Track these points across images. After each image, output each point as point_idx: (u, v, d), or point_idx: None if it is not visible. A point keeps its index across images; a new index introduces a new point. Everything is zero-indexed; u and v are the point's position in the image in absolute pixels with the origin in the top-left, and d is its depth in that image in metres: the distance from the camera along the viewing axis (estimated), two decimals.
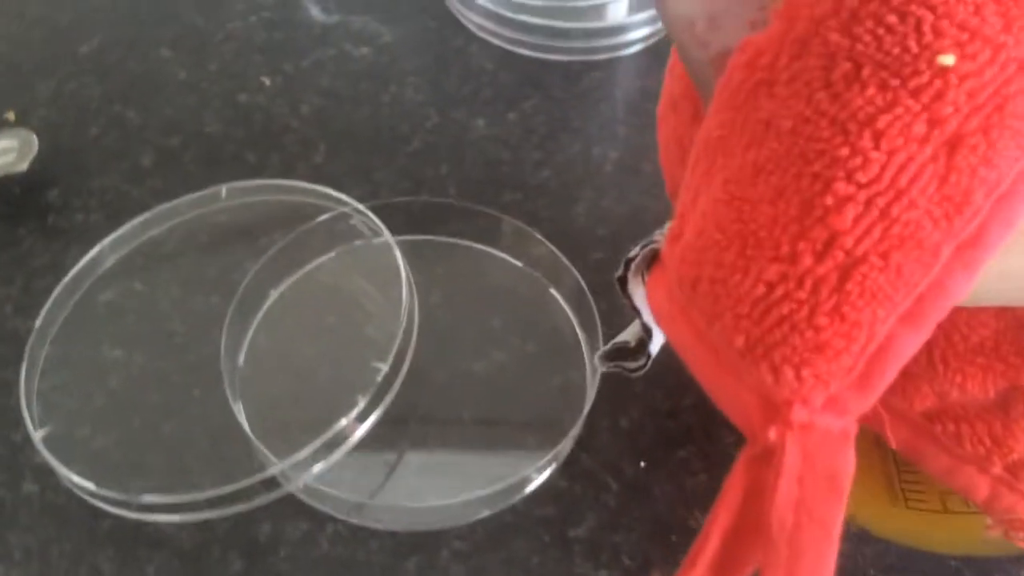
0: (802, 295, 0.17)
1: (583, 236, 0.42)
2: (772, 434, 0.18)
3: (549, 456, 0.34)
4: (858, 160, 0.17)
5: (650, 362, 0.30)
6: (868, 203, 0.17)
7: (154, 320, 0.38)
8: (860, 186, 0.17)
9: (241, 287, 0.37)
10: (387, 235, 0.37)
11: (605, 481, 0.35)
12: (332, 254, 0.41)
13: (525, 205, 0.43)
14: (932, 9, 0.16)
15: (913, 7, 0.16)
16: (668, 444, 0.36)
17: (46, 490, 0.34)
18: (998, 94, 0.16)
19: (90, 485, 0.32)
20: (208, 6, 0.52)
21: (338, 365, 0.37)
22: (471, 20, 0.51)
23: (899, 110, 0.16)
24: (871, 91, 0.16)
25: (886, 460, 0.26)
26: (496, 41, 0.51)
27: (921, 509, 0.26)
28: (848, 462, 0.18)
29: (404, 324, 0.34)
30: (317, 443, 0.32)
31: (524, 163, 0.45)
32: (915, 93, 0.16)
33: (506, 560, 0.33)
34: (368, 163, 0.45)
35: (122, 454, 0.34)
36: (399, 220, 0.40)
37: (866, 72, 0.17)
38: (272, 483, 0.32)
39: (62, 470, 0.32)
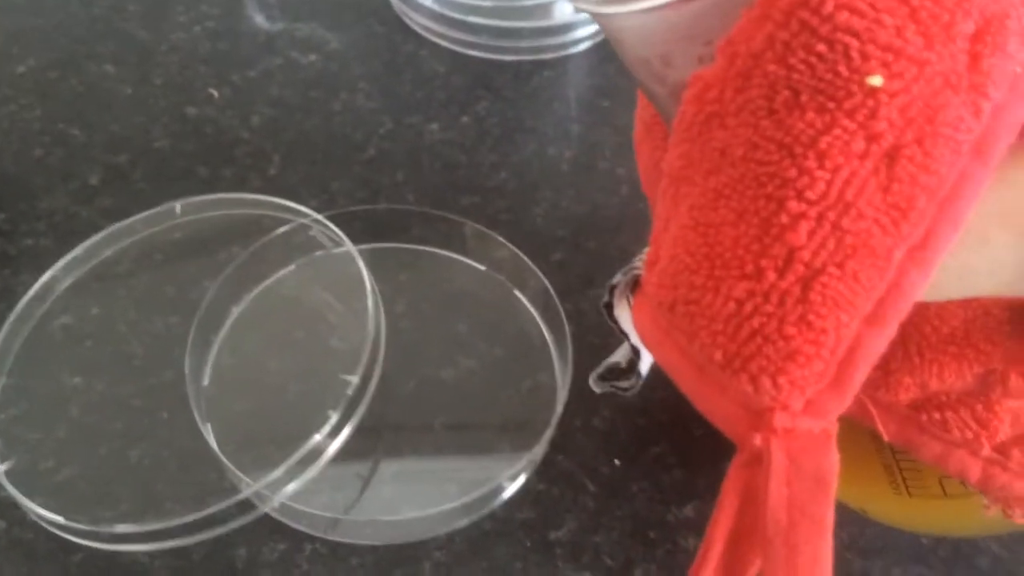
0: (770, 308, 0.18)
1: (544, 237, 0.42)
2: (758, 440, 0.19)
3: (524, 460, 0.34)
4: (805, 179, 0.18)
5: (640, 381, 0.31)
6: (820, 218, 0.18)
7: (113, 344, 0.38)
8: (810, 203, 0.18)
9: (202, 305, 0.37)
10: (348, 245, 0.37)
11: (582, 482, 0.35)
12: (292, 267, 0.40)
13: (484, 208, 0.43)
14: (857, 35, 0.17)
15: (839, 35, 0.17)
16: (642, 441, 0.36)
17: (13, 526, 0.33)
18: (928, 106, 0.17)
19: (58, 518, 0.31)
20: (150, 19, 0.51)
21: (306, 380, 0.37)
22: (419, 23, 0.51)
23: (837, 130, 0.17)
24: (810, 115, 0.18)
25: (883, 453, 0.27)
26: (445, 44, 0.50)
27: (923, 496, 0.27)
28: (832, 460, 0.19)
29: (372, 335, 0.34)
30: (291, 461, 0.31)
31: (481, 166, 0.45)
32: (850, 113, 0.17)
33: (489, 568, 0.33)
34: (323, 173, 0.44)
35: (89, 484, 0.34)
36: (358, 229, 0.40)
37: (804, 98, 0.18)
38: (246, 505, 0.32)
39: (28, 504, 0.31)
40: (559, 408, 0.35)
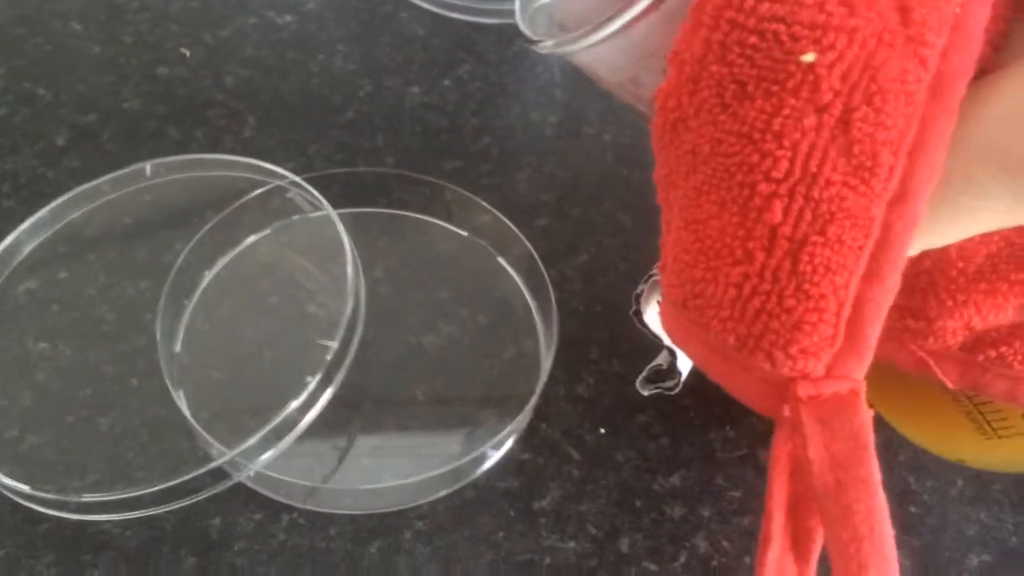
0: (766, 286, 0.19)
1: (528, 203, 0.41)
2: (787, 412, 0.20)
3: (508, 429, 0.33)
4: (769, 161, 0.19)
5: (682, 379, 0.33)
6: (791, 193, 0.19)
7: (81, 309, 0.36)
8: (778, 182, 0.19)
9: (173, 270, 0.35)
10: (327, 208, 0.35)
11: (566, 451, 0.34)
12: (268, 231, 0.39)
13: (467, 173, 0.42)
14: (782, 20, 0.18)
15: (766, 24, 0.18)
16: (627, 409, 0.35)
17: None
18: (868, 67, 0.18)
19: (24, 487, 0.29)
20: None
21: (282, 346, 0.36)
22: None
23: (787, 110, 0.18)
24: (759, 102, 0.19)
25: (961, 402, 0.27)
26: (426, 5, 0.49)
27: (1012, 434, 0.27)
28: (864, 417, 0.19)
29: (351, 300, 0.33)
30: (267, 428, 0.30)
31: (463, 130, 0.44)
32: (795, 92, 0.18)
33: (471, 537, 0.32)
34: (300, 136, 0.43)
35: (56, 453, 0.32)
36: (336, 192, 0.39)
37: (751, 88, 0.19)
38: (220, 473, 0.31)
39: None
40: (543, 376, 0.34)
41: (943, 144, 0.18)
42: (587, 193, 0.42)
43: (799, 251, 0.19)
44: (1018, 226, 0.20)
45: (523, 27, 0.25)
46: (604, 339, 0.37)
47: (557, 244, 0.40)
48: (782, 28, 0.18)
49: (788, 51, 0.18)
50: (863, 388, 0.20)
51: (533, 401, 0.34)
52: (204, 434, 0.31)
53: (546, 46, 0.23)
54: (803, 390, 0.19)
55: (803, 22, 0.18)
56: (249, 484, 0.32)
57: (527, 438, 0.34)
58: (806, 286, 0.19)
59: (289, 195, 0.37)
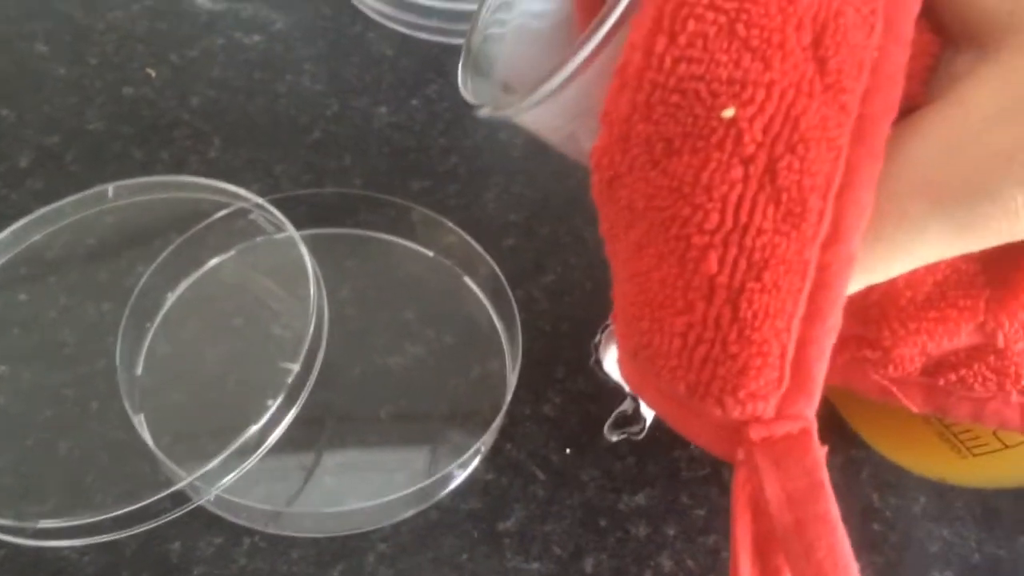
0: (709, 335, 0.20)
1: (495, 223, 0.41)
2: (741, 455, 0.20)
3: (473, 449, 0.33)
4: (700, 214, 0.19)
5: (647, 424, 0.33)
6: (724, 243, 0.19)
7: (42, 332, 0.36)
8: (711, 233, 0.19)
9: (135, 292, 0.35)
10: (290, 229, 0.35)
11: (532, 471, 0.34)
12: (232, 252, 0.39)
13: (434, 193, 0.42)
14: (700, 79, 0.19)
15: (685, 83, 0.19)
16: (593, 429, 0.35)
17: None
18: (788, 117, 0.18)
19: None
20: None
21: (245, 368, 0.35)
22: (368, 5, 0.49)
23: (713, 164, 0.19)
24: (687, 157, 0.19)
25: (932, 424, 0.28)
26: (394, 26, 0.49)
27: (986, 452, 0.28)
28: (817, 456, 0.20)
29: (314, 321, 0.33)
30: (227, 452, 0.30)
31: (431, 150, 0.44)
32: (719, 145, 0.19)
33: (435, 559, 0.32)
34: (267, 156, 0.43)
35: (13, 477, 0.32)
36: (303, 214, 0.38)
37: (677, 144, 0.19)
38: (180, 497, 0.30)
39: None
40: (509, 396, 0.34)
41: (871, 184, 0.19)
42: (555, 212, 0.42)
43: (738, 298, 0.19)
44: (963, 254, 0.20)
45: (464, 92, 0.25)
46: (570, 358, 0.37)
47: (524, 264, 0.40)
48: (701, 86, 0.19)
49: (709, 107, 0.19)
50: (814, 426, 0.20)
51: (498, 421, 0.34)
52: (163, 457, 0.31)
53: (484, 112, 0.23)
54: (755, 432, 0.20)
55: (720, 79, 0.18)
56: (211, 508, 0.32)
57: (492, 458, 0.34)
58: (747, 332, 0.19)
59: (252, 216, 0.37)
